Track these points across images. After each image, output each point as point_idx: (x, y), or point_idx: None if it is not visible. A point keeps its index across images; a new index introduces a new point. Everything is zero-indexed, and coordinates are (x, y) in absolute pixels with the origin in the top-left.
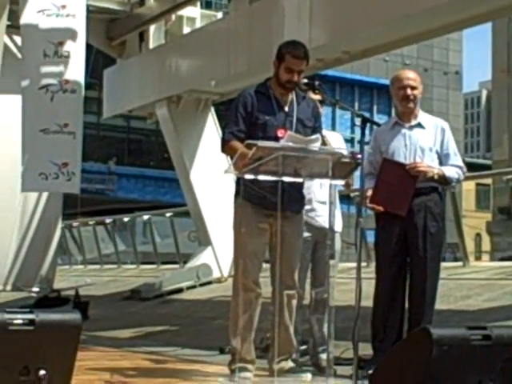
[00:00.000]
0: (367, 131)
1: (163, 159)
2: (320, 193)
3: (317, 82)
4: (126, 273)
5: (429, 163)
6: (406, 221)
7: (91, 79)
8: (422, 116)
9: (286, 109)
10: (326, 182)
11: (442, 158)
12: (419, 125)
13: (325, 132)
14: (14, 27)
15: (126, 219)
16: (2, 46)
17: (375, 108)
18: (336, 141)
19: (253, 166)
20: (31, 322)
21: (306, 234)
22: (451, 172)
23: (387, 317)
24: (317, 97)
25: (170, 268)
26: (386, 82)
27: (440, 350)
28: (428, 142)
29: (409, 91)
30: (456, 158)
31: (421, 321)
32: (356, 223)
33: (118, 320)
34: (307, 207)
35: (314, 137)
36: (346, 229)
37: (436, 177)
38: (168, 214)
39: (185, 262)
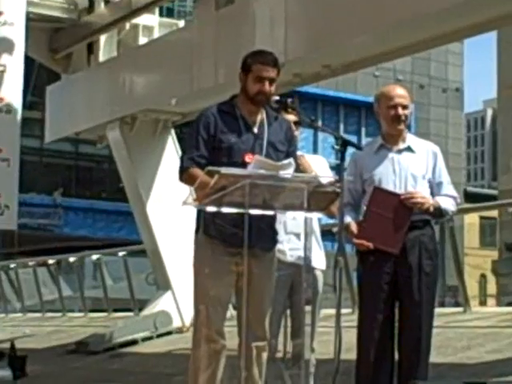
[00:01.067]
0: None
1: (117, 190)
2: (293, 223)
3: (289, 99)
4: (71, 322)
5: (422, 192)
6: (398, 259)
7: (33, 97)
8: (410, 139)
9: (255, 130)
10: (301, 215)
11: (434, 187)
12: (409, 149)
13: (307, 156)
14: None
15: (72, 259)
16: None
17: (363, 130)
18: (319, 165)
19: (215, 197)
20: None
21: (282, 273)
22: (447, 203)
23: (374, 372)
24: (291, 117)
25: (123, 316)
26: None
27: None
28: (420, 169)
29: (400, 111)
30: (449, 187)
31: (414, 376)
32: (335, 262)
33: (60, 377)
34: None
35: (286, 162)
36: (331, 270)
37: (432, 209)
38: (121, 254)
39: (140, 310)
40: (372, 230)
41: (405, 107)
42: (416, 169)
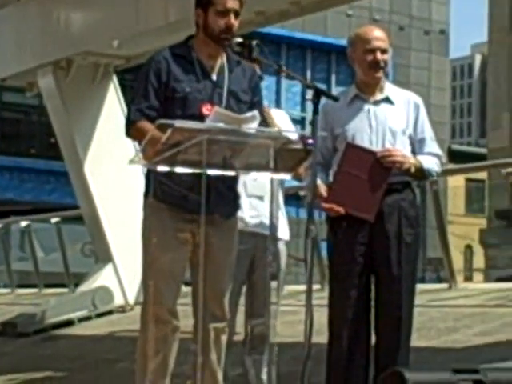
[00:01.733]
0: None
1: (49, 146)
2: (254, 184)
3: (254, 42)
4: None
5: (401, 150)
6: (374, 227)
7: None
8: (389, 88)
9: (214, 77)
10: (266, 176)
11: (416, 144)
12: (387, 99)
13: (267, 109)
14: None
15: None
16: None
17: (333, 78)
18: (281, 121)
19: (168, 155)
20: None
21: (241, 247)
22: (430, 163)
23: (348, 357)
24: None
25: (56, 293)
26: None
27: None
28: (400, 123)
29: (379, 55)
30: (433, 144)
31: (393, 361)
32: (306, 231)
33: None
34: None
35: (249, 114)
36: (295, 239)
37: (413, 169)
38: (54, 220)
39: (76, 285)
40: (343, 192)
41: (384, 51)
42: (395, 123)
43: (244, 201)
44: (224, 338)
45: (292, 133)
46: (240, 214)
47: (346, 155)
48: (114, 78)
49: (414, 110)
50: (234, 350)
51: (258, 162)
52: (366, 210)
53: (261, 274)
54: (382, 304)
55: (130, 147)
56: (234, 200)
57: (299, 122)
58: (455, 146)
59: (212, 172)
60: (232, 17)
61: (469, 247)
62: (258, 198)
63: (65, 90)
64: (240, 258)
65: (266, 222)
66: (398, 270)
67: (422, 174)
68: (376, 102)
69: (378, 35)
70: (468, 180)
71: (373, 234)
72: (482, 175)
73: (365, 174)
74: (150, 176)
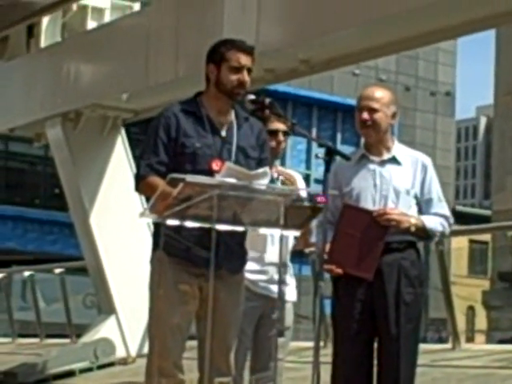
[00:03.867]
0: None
1: (52, 196)
2: (272, 250)
3: (267, 99)
4: None
5: (404, 210)
6: (373, 286)
7: None
8: (397, 148)
9: (223, 133)
10: (276, 232)
11: (423, 205)
12: (393, 160)
13: (281, 169)
14: None
15: None
16: None
17: (339, 136)
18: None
19: (178, 209)
20: None
21: (251, 304)
22: (433, 223)
23: None
24: (281, 126)
25: (57, 343)
26: (355, 102)
27: None
28: (404, 183)
29: (365, 115)
30: (441, 205)
31: None
32: (315, 288)
33: None
34: (253, 267)
35: (260, 170)
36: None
37: (413, 228)
38: (57, 271)
39: (78, 336)
40: (342, 252)
41: (373, 110)
42: (400, 182)
43: (258, 268)
44: None
45: (303, 190)
46: (252, 277)
47: (344, 216)
48: (122, 130)
49: (421, 171)
50: None
51: (267, 219)
52: (365, 269)
53: (266, 332)
54: (381, 363)
55: (137, 200)
56: (242, 256)
57: (304, 179)
58: (459, 207)
59: (221, 227)
60: (245, 73)
61: (471, 308)
62: (275, 265)
63: (73, 141)
64: (249, 314)
65: (275, 286)
66: (395, 330)
67: (425, 233)
68: (382, 162)
69: (367, 94)
70: (472, 241)
71: (373, 292)
72: (486, 237)
73: (362, 234)
74: (160, 230)
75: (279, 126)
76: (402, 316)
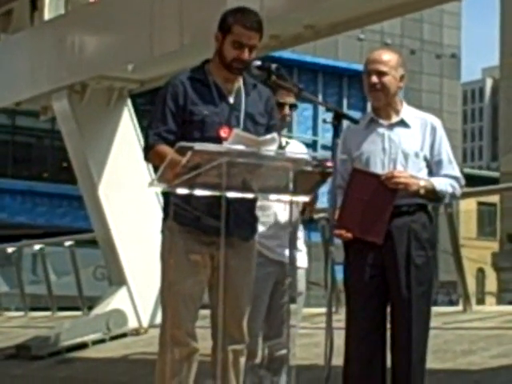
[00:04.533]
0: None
1: (61, 169)
2: (285, 215)
3: (274, 65)
4: (9, 322)
5: (414, 173)
6: (384, 249)
7: None
8: (406, 111)
9: (231, 100)
10: (285, 198)
11: (433, 167)
12: (402, 122)
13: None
14: None
15: (9, 250)
16: None
17: (345, 102)
18: (297, 149)
19: (187, 177)
20: None
21: (267, 270)
22: (444, 184)
23: (363, 379)
24: (288, 99)
25: (69, 316)
26: (360, 67)
27: None
28: (413, 145)
29: (374, 78)
30: (451, 166)
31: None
32: (325, 254)
33: None
34: (265, 232)
35: (269, 136)
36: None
37: (422, 191)
38: (67, 244)
39: (90, 308)
40: (351, 217)
41: (382, 74)
42: (408, 145)
43: (272, 231)
44: (242, 360)
45: (312, 155)
46: (267, 243)
47: (352, 180)
48: (129, 101)
49: (430, 132)
50: (254, 373)
51: (276, 185)
52: (374, 233)
53: (279, 297)
54: (393, 326)
55: (145, 170)
56: (252, 223)
57: (311, 145)
58: (467, 170)
59: (231, 195)
60: (246, 51)
61: (481, 270)
62: (284, 227)
63: (79, 113)
64: (265, 280)
65: (287, 252)
66: (407, 293)
67: (434, 195)
68: (390, 126)
69: (374, 57)
70: (480, 203)
71: (383, 256)
72: (494, 198)
73: (371, 198)
74: (169, 199)
75: (287, 99)
76: (413, 279)
